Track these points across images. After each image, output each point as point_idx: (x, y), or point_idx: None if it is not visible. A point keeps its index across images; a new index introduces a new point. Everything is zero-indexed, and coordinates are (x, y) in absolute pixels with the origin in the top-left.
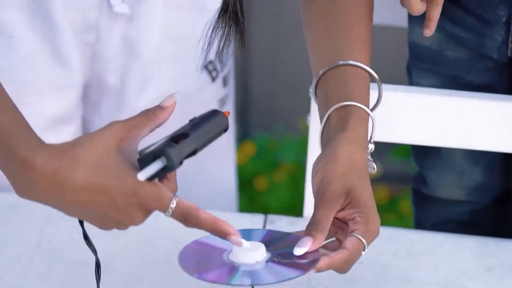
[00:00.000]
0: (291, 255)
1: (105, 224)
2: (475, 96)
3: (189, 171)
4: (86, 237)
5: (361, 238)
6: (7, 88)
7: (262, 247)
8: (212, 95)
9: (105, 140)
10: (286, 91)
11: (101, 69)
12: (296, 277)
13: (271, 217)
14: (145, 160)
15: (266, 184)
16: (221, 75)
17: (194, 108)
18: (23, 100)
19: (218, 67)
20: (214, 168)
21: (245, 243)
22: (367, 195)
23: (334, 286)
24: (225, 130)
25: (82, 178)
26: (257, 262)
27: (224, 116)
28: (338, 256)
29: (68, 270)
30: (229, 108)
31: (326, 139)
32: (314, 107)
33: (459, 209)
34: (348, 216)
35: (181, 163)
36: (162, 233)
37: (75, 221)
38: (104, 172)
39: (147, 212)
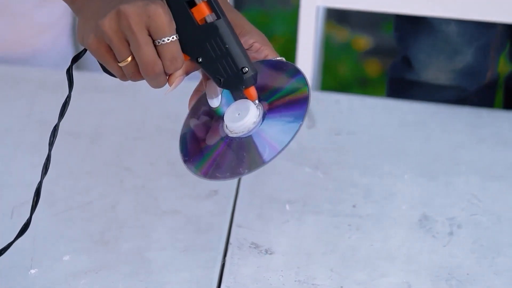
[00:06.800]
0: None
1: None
2: None
3: None
4: (68, 70)
5: (279, 58)
6: None
7: (251, 106)
8: None
9: None
10: None
11: None
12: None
13: None
14: None
15: None
16: None
17: None
18: None
19: None
20: None
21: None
22: (248, 23)
23: (326, 155)
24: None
25: None
26: (254, 122)
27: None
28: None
29: (59, 141)
30: None
31: None
32: None
33: (444, 95)
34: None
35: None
36: (154, 105)
37: (65, 93)
38: None
39: (144, 23)
